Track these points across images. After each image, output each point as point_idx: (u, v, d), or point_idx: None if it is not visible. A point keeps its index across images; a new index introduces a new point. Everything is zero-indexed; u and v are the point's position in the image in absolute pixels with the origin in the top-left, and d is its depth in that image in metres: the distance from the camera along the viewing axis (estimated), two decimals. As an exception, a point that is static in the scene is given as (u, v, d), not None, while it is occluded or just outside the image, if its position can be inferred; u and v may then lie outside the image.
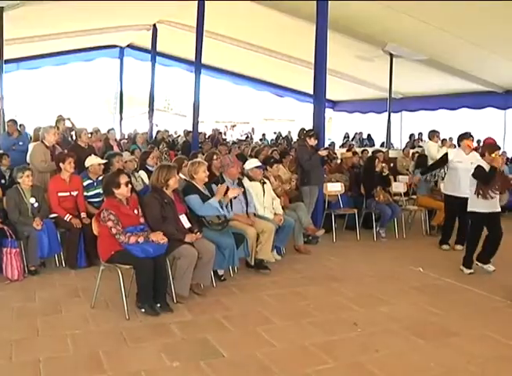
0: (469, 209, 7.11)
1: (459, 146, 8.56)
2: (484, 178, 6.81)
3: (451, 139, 17.07)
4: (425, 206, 9.73)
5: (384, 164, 9.65)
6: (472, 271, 7.07)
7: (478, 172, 6.85)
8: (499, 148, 7.48)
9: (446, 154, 8.36)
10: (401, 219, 9.62)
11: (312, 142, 8.49)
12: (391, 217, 9.10)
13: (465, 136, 8.48)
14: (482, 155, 7.21)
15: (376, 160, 9.58)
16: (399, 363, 4.27)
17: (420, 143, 18.26)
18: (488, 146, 7.27)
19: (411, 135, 19.94)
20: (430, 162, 10.07)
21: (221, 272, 6.33)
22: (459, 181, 8.10)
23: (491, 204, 6.87)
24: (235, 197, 6.55)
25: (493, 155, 6.95)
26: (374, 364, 4.19)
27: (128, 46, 21.38)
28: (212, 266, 5.84)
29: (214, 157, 7.44)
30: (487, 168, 6.88)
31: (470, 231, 7.41)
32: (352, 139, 23.31)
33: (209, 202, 6.07)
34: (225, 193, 6.31)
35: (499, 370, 4.20)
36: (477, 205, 6.94)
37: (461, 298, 6.06)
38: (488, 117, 19.20)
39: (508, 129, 18.74)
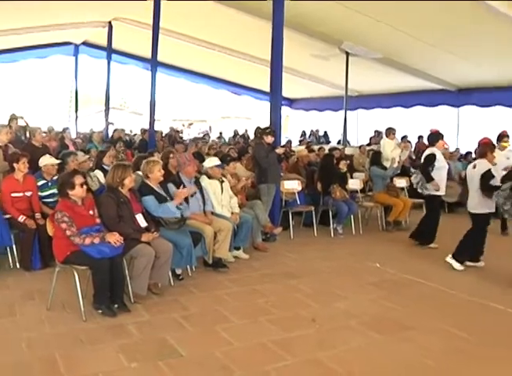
0: (478, 211, 7.18)
1: (432, 145, 8.60)
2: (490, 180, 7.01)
3: (405, 136, 17.33)
4: (381, 202, 9.88)
5: (345, 162, 9.80)
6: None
7: (490, 175, 6.99)
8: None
9: (433, 155, 8.43)
10: (357, 216, 9.71)
11: (269, 139, 8.50)
12: (347, 213, 9.20)
13: (440, 136, 8.60)
14: (483, 155, 7.33)
15: (342, 161, 9.72)
16: (357, 358, 4.31)
17: (376, 140, 18.49)
18: (490, 146, 7.52)
19: (376, 132, 20.05)
20: (384, 159, 10.22)
21: (178, 271, 6.29)
22: (442, 180, 8.37)
23: (492, 204, 7.05)
24: (191, 195, 6.53)
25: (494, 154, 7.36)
26: (333, 360, 4.22)
27: (83, 43, 20.97)
28: (170, 265, 5.80)
29: (171, 155, 7.38)
30: (487, 167, 7.08)
31: (476, 232, 7.28)
32: (309, 137, 23.47)
33: (166, 205, 6.02)
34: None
35: (455, 363, 4.27)
36: (485, 206, 7.09)
37: (418, 293, 6.15)
38: (442, 115, 19.54)
39: (461, 126, 19.14)
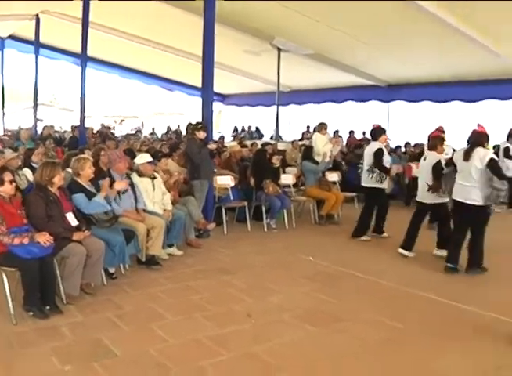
0: (440, 201, 7.43)
1: (376, 140, 8.81)
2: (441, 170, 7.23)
3: (337, 131, 17.63)
4: (313, 197, 10.02)
5: (278, 157, 9.88)
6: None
7: (439, 166, 7.23)
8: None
9: (381, 149, 8.63)
10: (290, 210, 9.81)
11: (201, 135, 8.48)
12: (280, 208, 9.29)
13: (382, 131, 8.89)
14: (433, 148, 7.60)
15: (274, 156, 9.80)
16: (292, 351, 4.36)
17: (309, 135, 18.73)
18: (439, 139, 7.75)
19: (308, 127, 20.23)
20: (316, 154, 10.36)
21: (111, 270, 6.19)
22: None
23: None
24: (123, 192, 6.45)
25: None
26: (268, 354, 4.26)
27: (10, 37, 20.23)
28: (102, 264, 5.71)
29: (102, 152, 7.25)
30: (437, 158, 7.36)
31: (451, 223, 7.43)
32: (241, 132, 23.54)
33: (94, 199, 5.92)
34: (111, 185, 6.21)
35: (389, 353, 4.37)
36: (443, 196, 7.35)
37: (351, 285, 6.27)
38: (373, 110, 19.98)
39: (391, 121, 19.64)
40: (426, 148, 8.17)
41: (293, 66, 16.27)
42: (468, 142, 6.85)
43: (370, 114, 19.91)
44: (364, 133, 18.30)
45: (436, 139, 7.77)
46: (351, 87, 19.35)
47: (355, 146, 14.72)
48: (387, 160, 8.69)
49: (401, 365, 4.15)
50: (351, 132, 18.76)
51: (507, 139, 11.22)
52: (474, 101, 16.91)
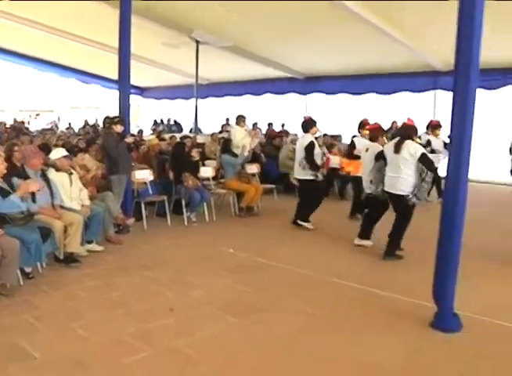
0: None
1: (307, 132, 9.00)
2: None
3: (256, 123, 17.75)
4: (233, 189, 10.07)
5: (197, 150, 9.86)
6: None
7: (381, 154, 7.35)
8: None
9: (313, 142, 8.86)
10: (210, 203, 9.81)
11: (118, 129, 8.33)
12: (200, 201, 9.28)
13: (313, 123, 9.08)
14: (375, 139, 7.89)
15: (194, 149, 9.77)
16: (214, 343, 4.39)
17: (228, 128, 18.76)
18: (381, 131, 8.11)
19: (227, 119, 20.15)
20: (235, 147, 10.41)
21: (28, 269, 5.99)
22: None
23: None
24: (38, 190, 6.27)
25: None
26: (191, 348, 4.27)
27: None
28: (18, 264, 5.53)
29: (15, 148, 7.02)
30: (378, 149, 7.54)
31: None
32: (159, 126, 23.31)
33: (9, 198, 5.73)
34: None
35: (310, 342, 4.46)
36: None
37: (271, 275, 6.36)
38: (291, 102, 20.23)
39: (309, 113, 19.91)
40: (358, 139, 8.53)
41: (211, 58, 16.22)
42: (393, 135, 7.34)
43: (289, 106, 20.23)
44: (283, 125, 18.51)
45: (377, 131, 8.07)
46: (269, 79, 19.50)
47: (273, 138, 14.86)
48: (317, 152, 8.83)
49: (322, 352, 4.25)
50: (270, 125, 18.93)
51: (427, 132, 11.53)
52: (389, 93, 17.47)
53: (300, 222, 8.91)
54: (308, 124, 8.99)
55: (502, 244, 8.06)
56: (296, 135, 14.13)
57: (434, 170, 6.94)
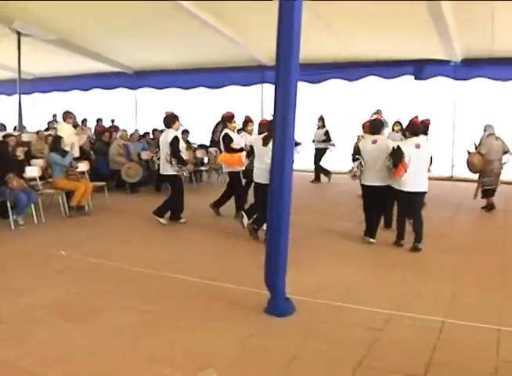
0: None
1: (169, 127, 9.03)
2: None
3: (85, 120, 17.28)
4: (61, 188, 9.73)
5: (22, 149, 9.42)
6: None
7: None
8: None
9: (177, 137, 8.94)
10: (38, 204, 9.38)
11: None
12: (27, 203, 8.86)
13: (176, 118, 9.07)
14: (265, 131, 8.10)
15: (19, 148, 9.31)
16: (49, 350, 4.19)
17: (55, 125, 18.05)
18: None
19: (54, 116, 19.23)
20: (64, 144, 10.06)
21: None
22: None
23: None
24: None
25: None
26: (23, 358, 4.02)
27: None
28: None
29: None
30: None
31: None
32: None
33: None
34: None
35: (146, 338, 4.42)
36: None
37: (104, 275, 6.24)
38: (120, 97, 20.03)
39: (139, 108, 19.95)
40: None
41: (36, 52, 15.51)
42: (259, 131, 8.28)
43: (118, 102, 19.96)
44: (113, 121, 18.14)
45: (265, 126, 8.34)
46: (97, 74, 19.09)
47: (102, 134, 14.51)
48: (182, 146, 8.98)
49: (159, 347, 4.26)
50: (99, 120, 18.48)
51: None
52: (218, 87, 17.94)
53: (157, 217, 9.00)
54: (171, 120, 9.05)
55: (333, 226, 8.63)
56: (125, 130, 13.93)
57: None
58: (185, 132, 14.25)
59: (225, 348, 4.26)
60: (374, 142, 7.68)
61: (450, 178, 15.05)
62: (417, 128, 7.53)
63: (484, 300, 5.42)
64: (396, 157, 7.17)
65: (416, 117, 7.78)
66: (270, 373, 3.89)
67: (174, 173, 8.93)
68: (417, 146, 7.28)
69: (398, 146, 7.26)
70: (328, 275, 6.29)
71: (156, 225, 8.86)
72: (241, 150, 9.48)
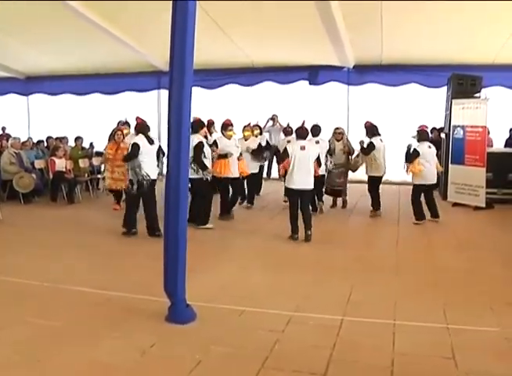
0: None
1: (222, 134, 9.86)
2: None
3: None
4: None
5: None
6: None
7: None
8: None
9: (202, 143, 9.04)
10: None
11: None
12: None
13: (203, 124, 9.47)
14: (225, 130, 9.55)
15: None
16: None
17: None
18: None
19: None
20: None
21: None
22: None
23: None
24: None
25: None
26: None
27: None
28: None
29: None
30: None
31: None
32: None
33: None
34: None
35: (47, 355, 4.22)
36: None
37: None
38: (11, 104, 19.33)
39: (32, 115, 19.26)
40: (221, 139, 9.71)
41: None
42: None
43: (9, 108, 19.18)
44: (4, 129, 17.32)
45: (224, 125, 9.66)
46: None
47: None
48: (208, 151, 9.13)
49: (59, 362, 4.10)
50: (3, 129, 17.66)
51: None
52: (113, 93, 17.72)
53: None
54: (198, 125, 9.08)
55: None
56: (17, 138, 13.31)
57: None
58: (79, 139, 13.86)
59: (126, 358, 4.19)
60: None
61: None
62: (304, 132, 8.40)
63: (381, 294, 5.70)
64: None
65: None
66: (174, 380, 3.86)
67: (199, 177, 8.87)
68: (302, 148, 8.08)
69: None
70: (224, 281, 6.28)
71: (53, 235, 8.53)
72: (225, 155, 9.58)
